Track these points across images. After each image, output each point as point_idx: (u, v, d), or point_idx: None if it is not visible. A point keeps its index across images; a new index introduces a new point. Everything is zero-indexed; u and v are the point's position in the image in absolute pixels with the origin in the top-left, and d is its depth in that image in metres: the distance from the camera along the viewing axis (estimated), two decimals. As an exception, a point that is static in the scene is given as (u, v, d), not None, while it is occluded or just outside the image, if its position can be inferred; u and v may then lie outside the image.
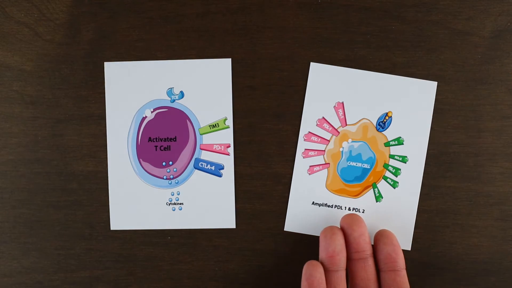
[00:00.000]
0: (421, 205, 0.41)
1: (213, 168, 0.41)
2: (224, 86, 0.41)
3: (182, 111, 0.41)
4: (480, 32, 0.41)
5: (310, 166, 0.41)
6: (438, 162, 0.41)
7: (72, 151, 0.41)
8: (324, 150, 0.41)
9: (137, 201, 0.41)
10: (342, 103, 0.41)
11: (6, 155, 0.41)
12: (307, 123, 0.41)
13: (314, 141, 0.41)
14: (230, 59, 0.41)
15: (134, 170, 0.41)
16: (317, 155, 0.41)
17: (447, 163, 0.40)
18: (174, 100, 0.41)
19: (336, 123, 0.41)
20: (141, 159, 0.41)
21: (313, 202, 0.41)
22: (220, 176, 0.41)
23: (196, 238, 0.42)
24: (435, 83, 0.40)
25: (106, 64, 0.41)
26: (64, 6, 0.41)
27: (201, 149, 0.41)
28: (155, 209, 0.41)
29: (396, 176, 0.41)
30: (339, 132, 0.41)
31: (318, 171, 0.41)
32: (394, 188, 0.41)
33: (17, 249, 0.42)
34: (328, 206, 0.41)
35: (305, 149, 0.41)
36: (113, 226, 0.41)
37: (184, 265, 0.42)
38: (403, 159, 0.41)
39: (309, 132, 0.41)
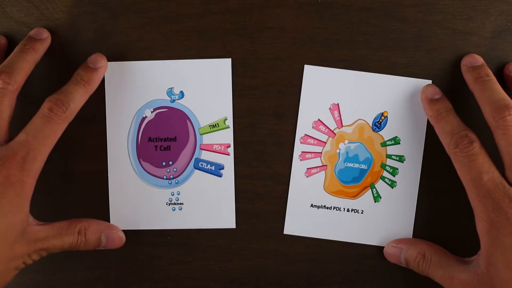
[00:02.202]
0: (421, 205, 0.41)
1: (213, 168, 0.41)
2: (224, 86, 0.41)
3: (182, 111, 0.41)
4: (480, 32, 0.41)
5: (308, 168, 0.41)
6: (437, 161, 0.41)
7: (72, 151, 0.41)
8: (321, 152, 0.41)
9: (137, 201, 0.41)
10: (338, 104, 0.41)
11: (6, 155, 0.41)
12: (303, 126, 0.41)
13: (310, 144, 0.41)
14: (230, 59, 0.41)
15: (134, 170, 0.41)
16: (314, 157, 0.41)
17: (447, 162, 0.39)
18: (174, 100, 0.41)
19: (332, 125, 0.41)
20: (141, 159, 0.41)
21: (312, 204, 0.41)
22: (220, 176, 0.41)
23: (196, 238, 0.42)
24: (429, 82, 0.40)
25: None
26: (64, 6, 0.41)
27: (201, 149, 0.41)
28: (155, 209, 0.41)
29: (394, 176, 0.41)
30: (335, 134, 0.41)
31: (315, 173, 0.41)
32: (392, 187, 0.41)
33: (17, 249, 0.42)
34: (327, 208, 0.41)
35: (302, 152, 0.41)
36: None
37: (184, 265, 0.42)
38: (400, 159, 0.41)
39: (305, 134, 0.41)
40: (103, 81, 0.41)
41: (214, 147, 0.41)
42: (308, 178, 0.41)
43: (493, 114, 0.36)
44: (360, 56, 0.41)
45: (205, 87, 0.41)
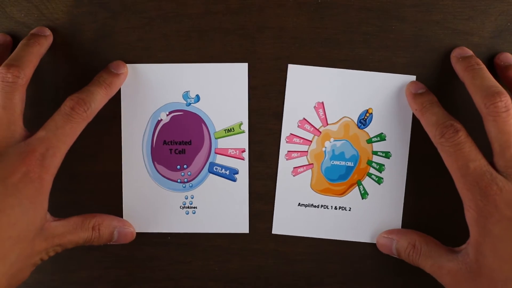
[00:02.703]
0: (420, 205, 0.41)
1: (227, 172, 0.41)
2: (240, 91, 0.41)
3: (198, 115, 0.41)
4: (480, 32, 0.41)
5: (294, 167, 0.41)
6: (437, 161, 0.41)
7: (72, 151, 0.41)
8: (307, 151, 0.41)
9: (150, 204, 0.41)
10: (322, 102, 0.41)
11: (6, 155, 0.41)
12: (288, 125, 0.41)
13: (296, 143, 0.41)
14: (246, 64, 0.41)
15: (148, 172, 0.41)
16: (300, 156, 0.41)
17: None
18: (190, 104, 0.41)
19: (317, 123, 0.41)
20: (155, 162, 0.41)
21: (299, 203, 0.41)
22: (234, 180, 0.41)
23: (196, 238, 0.42)
24: (413, 77, 0.40)
25: None
26: (64, 6, 0.41)
27: (216, 153, 0.41)
28: (169, 212, 0.41)
29: (381, 172, 0.41)
30: (320, 132, 0.41)
31: (302, 172, 0.41)
32: (379, 184, 0.41)
33: (17, 249, 0.42)
34: (314, 206, 0.41)
35: (288, 151, 0.41)
36: None
37: (184, 265, 0.42)
38: (386, 155, 0.41)
39: (291, 134, 0.41)
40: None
41: (229, 152, 0.41)
42: (295, 177, 0.41)
43: (484, 100, 0.35)
44: (360, 56, 0.41)
45: (221, 91, 0.41)
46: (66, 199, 0.42)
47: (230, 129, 0.41)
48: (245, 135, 0.41)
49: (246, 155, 0.41)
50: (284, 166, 0.41)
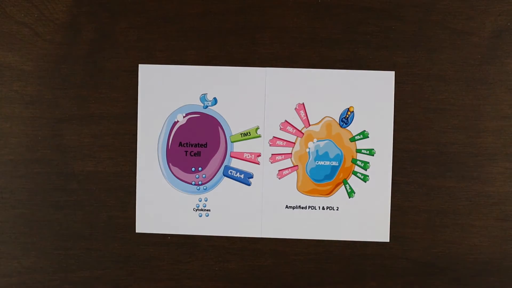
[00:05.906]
0: (421, 205, 0.41)
1: (242, 176, 0.41)
2: (258, 96, 0.41)
3: (215, 118, 0.41)
4: (480, 32, 0.41)
5: (279, 170, 0.41)
6: (438, 162, 0.41)
7: (72, 151, 0.41)
8: (291, 153, 0.41)
9: (164, 205, 0.41)
10: (303, 104, 0.41)
11: (6, 155, 0.41)
12: (271, 128, 0.41)
13: (279, 145, 0.41)
14: (265, 69, 0.41)
15: (163, 173, 0.41)
16: (285, 158, 0.41)
17: (447, 163, 0.40)
18: (207, 106, 0.41)
19: (299, 125, 0.41)
20: (170, 164, 0.41)
21: (287, 205, 0.41)
22: (248, 184, 0.41)
23: (196, 238, 0.42)
24: (392, 73, 0.40)
25: (140, 66, 0.41)
26: (64, 6, 0.41)
27: (231, 156, 0.41)
28: (182, 214, 0.41)
29: (366, 170, 0.41)
30: (303, 133, 0.41)
31: (287, 174, 0.41)
32: (365, 181, 0.41)
33: (17, 249, 0.42)
34: (302, 207, 0.41)
35: (272, 154, 0.41)
36: (139, 229, 0.41)
37: (184, 265, 0.42)
38: (371, 152, 0.41)
39: (274, 137, 0.41)
40: (137, 82, 0.41)
41: (245, 156, 0.41)
42: (280, 180, 0.41)
43: None
44: (360, 56, 0.41)
45: (238, 95, 0.41)
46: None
47: (247, 133, 0.41)
48: (261, 140, 0.41)
49: (261, 159, 0.41)
50: (269, 169, 0.41)
